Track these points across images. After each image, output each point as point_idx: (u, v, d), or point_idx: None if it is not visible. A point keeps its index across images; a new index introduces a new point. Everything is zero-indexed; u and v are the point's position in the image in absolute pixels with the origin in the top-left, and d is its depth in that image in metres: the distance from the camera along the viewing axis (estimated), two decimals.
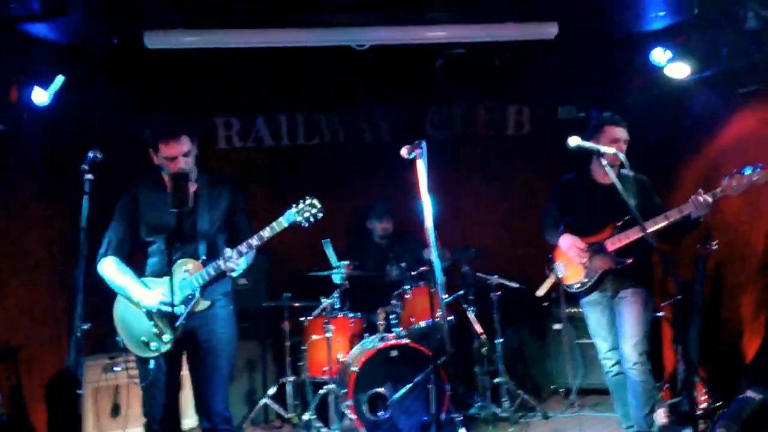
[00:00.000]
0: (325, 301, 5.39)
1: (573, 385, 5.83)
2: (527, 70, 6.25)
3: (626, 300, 4.24)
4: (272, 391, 5.72)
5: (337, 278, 5.63)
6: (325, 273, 5.54)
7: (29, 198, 5.64)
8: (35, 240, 5.61)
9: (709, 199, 3.86)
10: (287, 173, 6.49)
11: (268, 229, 3.66)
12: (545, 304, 6.19)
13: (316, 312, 5.47)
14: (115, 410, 5.33)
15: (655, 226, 3.98)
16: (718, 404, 4.78)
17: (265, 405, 5.70)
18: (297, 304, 5.60)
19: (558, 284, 4.63)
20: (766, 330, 4.92)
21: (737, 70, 4.88)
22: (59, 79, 4.96)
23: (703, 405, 4.87)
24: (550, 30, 5.19)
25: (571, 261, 4.40)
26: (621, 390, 4.37)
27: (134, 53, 5.16)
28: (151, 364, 3.65)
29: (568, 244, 4.34)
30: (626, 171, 4.23)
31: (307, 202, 3.74)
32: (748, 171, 3.77)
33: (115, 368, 5.37)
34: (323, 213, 3.76)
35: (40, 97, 4.96)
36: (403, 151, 3.43)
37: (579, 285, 4.39)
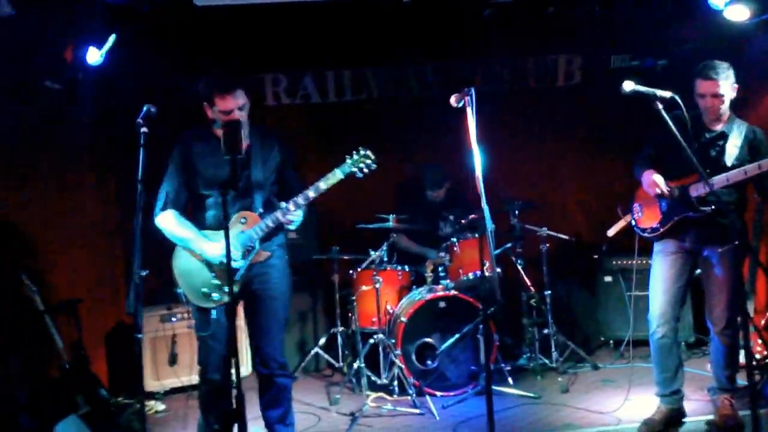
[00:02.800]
0: (374, 254, 5.44)
1: (623, 337, 5.81)
2: (577, 18, 6.09)
3: (713, 259, 4.04)
4: (323, 341, 5.85)
5: (432, 254, 5.68)
6: (373, 226, 5.57)
7: (84, 156, 5.81)
8: (91, 198, 5.79)
9: None
10: (335, 129, 6.50)
11: (323, 180, 3.70)
12: (595, 256, 6.14)
13: (365, 264, 5.53)
14: (173, 359, 5.51)
15: (728, 181, 3.78)
16: None
17: (317, 354, 5.85)
18: (346, 257, 5.68)
19: (630, 227, 4.44)
20: None
21: None
22: (111, 39, 5.04)
23: (758, 356, 4.82)
24: None
25: (649, 203, 4.19)
26: (663, 354, 4.15)
27: (183, 11, 5.19)
28: (213, 314, 3.72)
29: (649, 181, 4.02)
30: (741, 121, 4.02)
31: (362, 153, 3.77)
32: None
33: (172, 318, 5.56)
34: (377, 164, 3.78)
35: (94, 56, 5.04)
36: (452, 100, 3.41)
37: (651, 230, 4.18)
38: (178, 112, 4.42)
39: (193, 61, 5.82)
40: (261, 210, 3.75)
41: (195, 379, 4.57)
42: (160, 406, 5.29)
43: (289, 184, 3.86)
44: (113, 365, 5.74)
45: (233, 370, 3.26)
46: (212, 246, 3.69)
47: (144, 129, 3.38)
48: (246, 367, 5.60)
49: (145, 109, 3.40)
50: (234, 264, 3.64)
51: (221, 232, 3.64)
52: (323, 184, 3.69)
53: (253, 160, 3.76)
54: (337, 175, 3.72)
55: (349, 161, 3.75)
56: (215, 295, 3.71)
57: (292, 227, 3.79)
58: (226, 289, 3.66)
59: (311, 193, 3.68)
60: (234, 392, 3.21)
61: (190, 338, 5.37)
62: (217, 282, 3.71)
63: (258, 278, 3.78)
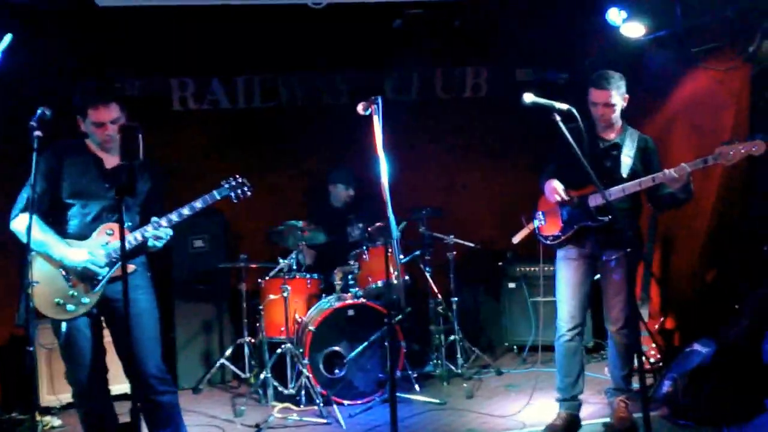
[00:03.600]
0: (283, 262, 5.39)
1: (526, 343, 5.97)
2: (485, 32, 6.25)
3: (611, 264, 4.19)
4: (229, 352, 5.73)
5: (304, 259, 5.65)
6: (282, 228, 5.49)
7: None
8: None
9: (674, 174, 3.80)
10: (243, 136, 6.42)
11: (200, 200, 3.69)
12: (500, 263, 6.29)
13: (273, 273, 5.47)
14: None
15: (624, 192, 3.95)
16: (666, 358, 4.94)
17: (222, 365, 5.72)
18: (254, 266, 5.59)
19: (533, 234, 4.58)
20: (712, 286, 5.08)
21: (691, 29, 4.94)
22: (7, 38, 4.81)
23: (651, 359, 5.03)
24: None
25: (551, 212, 4.34)
26: (569, 358, 4.28)
27: (86, 12, 5.02)
28: (64, 327, 3.56)
29: (550, 189, 4.18)
30: (633, 131, 4.19)
31: (239, 180, 3.85)
32: (748, 141, 3.67)
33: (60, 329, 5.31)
34: (251, 192, 3.87)
35: None
36: (360, 108, 3.41)
37: (553, 237, 4.32)
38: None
39: (96, 63, 5.64)
40: (129, 224, 3.63)
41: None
42: (56, 422, 5.04)
43: (150, 211, 3.72)
44: (6, 379, 5.45)
45: (121, 385, 3.13)
46: (74, 251, 3.53)
47: (37, 132, 3.24)
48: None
49: (39, 111, 3.26)
50: (99, 271, 3.53)
51: (82, 242, 3.57)
52: (199, 204, 3.68)
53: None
54: (213, 196, 3.74)
55: (225, 185, 3.80)
56: (70, 306, 3.54)
57: (158, 243, 3.62)
58: (83, 300, 3.55)
59: (185, 211, 3.64)
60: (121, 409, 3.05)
61: None
62: (72, 292, 3.54)
63: (120, 295, 3.62)
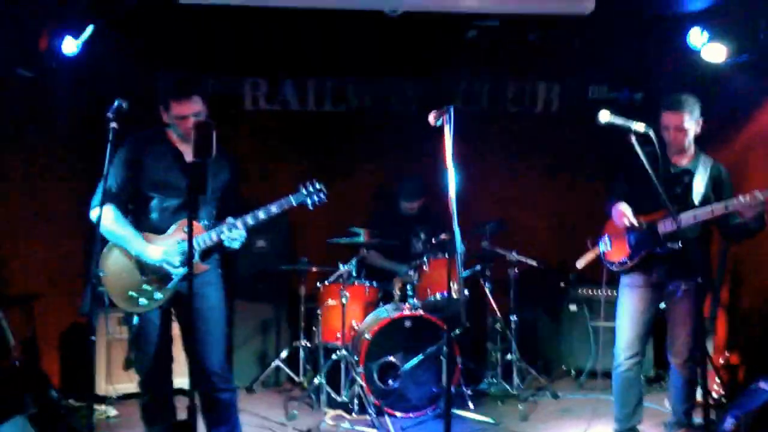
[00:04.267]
0: (343, 268, 5.38)
1: (585, 367, 5.81)
2: (560, 47, 6.14)
3: (678, 294, 4.05)
4: (284, 354, 5.76)
5: (402, 269, 5.63)
6: (345, 240, 5.52)
7: (54, 148, 5.69)
8: (60, 190, 5.66)
9: (747, 201, 3.68)
10: (312, 138, 6.46)
11: (276, 204, 3.68)
12: (562, 284, 6.15)
13: (333, 278, 5.47)
14: (128, 363, 5.35)
15: (695, 219, 3.82)
16: (730, 394, 4.75)
17: (277, 367, 5.75)
18: (314, 269, 5.61)
19: (598, 259, 4.43)
20: None
21: None
22: (89, 29, 4.95)
23: (715, 395, 4.84)
24: (586, 5, 5.07)
25: (618, 236, 4.20)
26: (627, 389, 4.17)
27: (166, 7, 5.12)
28: (135, 320, 3.61)
29: (619, 213, 4.03)
30: (707, 157, 4.06)
31: (316, 186, 3.80)
32: None
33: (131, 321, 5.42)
34: (326, 198, 3.83)
35: (70, 46, 4.95)
36: (431, 118, 3.37)
37: (620, 263, 4.18)
38: (155, 109, 4.35)
39: (172, 59, 5.75)
40: (206, 222, 3.67)
41: None
42: (112, 411, 5.14)
43: (229, 205, 3.77)
44: (66, 366, 5.60)
45: (182, 379, 3.16)
46: (153, 248, 3.57)
47: (113, 124, 3.29)
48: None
49: (116, 103, 3.32)
50: (173, 271, 3.58)
51: (159, 237, 3.61)
52: (275, 208, 3.67)
53: (209, 170, 3.68)
54: (290, 201, 3.72)
55: (303, 191, 3.77)
56: (142, 300, 3.59)
57: (234, 245, 3.66)
58: (156, 296, 3.60)
59: (261, 215, 3.64)
60: (179, 404, 3.09)
61: None
62: (147, 287, 3.59)
63: (192, 291, 3.67)
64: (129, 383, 5.28)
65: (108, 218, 3.57)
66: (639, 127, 3.50)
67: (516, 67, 6.49)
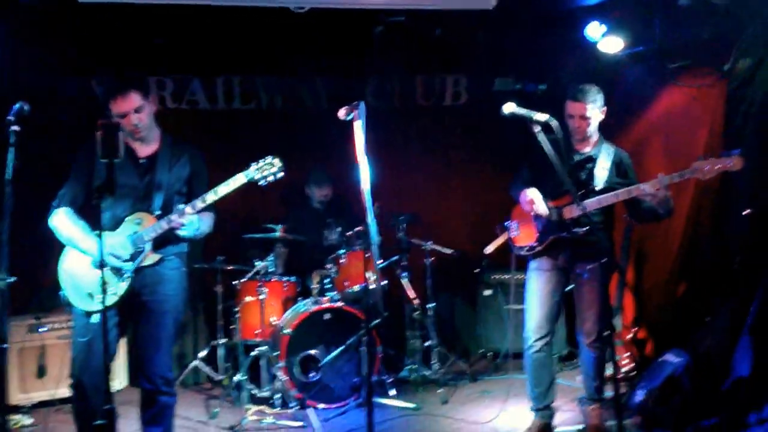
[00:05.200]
0: (259, 264, 5.37)
1: (501, 349, 6.01)
2: (465, 41, 6.28)
3: (585, 277, 4.20)
4: (203, 353, 5.71)
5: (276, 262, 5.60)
6: (260, 236, 5.51)
7: None
8: None
9: (650, 188, 3.86)
10: (222, 138, 6.39)
11: (224, 184, 3.62)
12: (476, 271, 6.33)
13: (250, 275, 5.45)
14: (41, 371, 5.22)
15: (600, 204, 3.99)
16: (639, 367, 5.01)
17: (196, 367, 5.70)
18: (230, 267, 5.58)
19: (507, 244, 4.58)
20: (684, 298, 5.17)
21: (668, 46, 5.02)
22: None
23: (624, 369, 5.09)
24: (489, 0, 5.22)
25: (525, 222, 4.35)
26: (539, 369, 4.31)
27: (67, 8, 4.97)
28: (95, 318, 3.56)
29: (528, 200, 4.17)
30: (609, 144, 4.23)
31: (268, 160, 3.71)
32: (724, 156, 3.70)
33: (40, 328, 5.26)
34: (283, 173, 3.73)
35: None
36: (341, 113, 3.41)
37: (528, 248, 4.33)
38: (57, 112, 4.24)
39: (75, 60, 5.58)
40: (159, 212, 3.65)
41: (64, 392, 4.34)
42: (27, 420, 4.99)
43: (197, 197, 3.71)
44: None
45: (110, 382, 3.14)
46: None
47: (15, 127, 3.21)
48: (120, 380, 5.40)
49: (17, 106, 3.23)
50: (122, 265, 3.57)
51: (112, 233, 3.60)
52: (224, 188, 3.62)
53: (159, 164, 3.70)
54: (239, 179, 3.64)
55: (254, 167, 3.68)
56: (99, 297, 3.54)
57: (183, 232, 3.65)
58: (111, 291, 3.54)
59: (209, 197, 3.61)
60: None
61: (60, 349, 5.14)
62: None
63: (149, 288, 3.66)
64: (43, 391, 5.16)
65: (61, 221, 3.66)
66: (541, 117, 3.64)
67: (424, 62, 6.61)
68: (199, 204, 3.61)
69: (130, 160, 3.69)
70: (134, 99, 3.60)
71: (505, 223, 4.55)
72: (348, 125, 3.44)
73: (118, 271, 3.58)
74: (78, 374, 3.63)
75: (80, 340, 3.62)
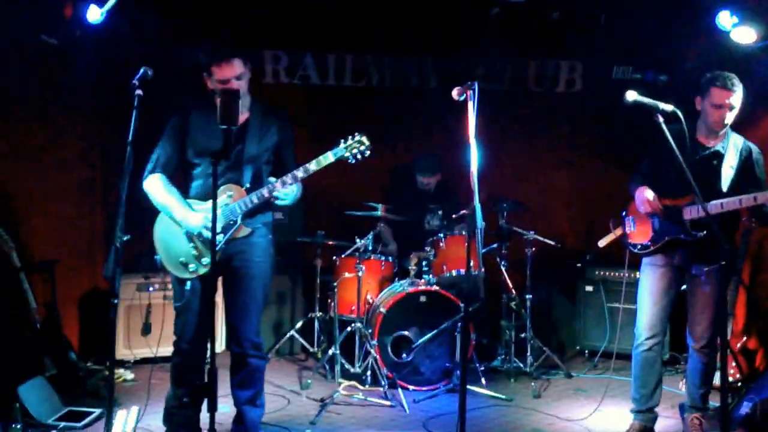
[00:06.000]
0: (359, 242, 5.40)
1: (599, 348, 5.82)
2: (584, 26, 6.08)
3: (700, 279, 3.99)
4: (299, 324, 5.81)
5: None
6: (361, 213, 5.54)
7: (77, 115, 5.72)
8: (82, 157, 5.71)
9: None
10: (332, 112, 6.45)
11: (314, 162, 3.62)
12: (578, 265, 6.14)
13: (349, 251, 5.48)
14: (146, 329, 5.44)
15: (723, 208, 3.73)
16: (746, 379, 4.75)
17: (292, 337, 5.81)
18: (331, 242, 5.64)
19: (620, 239, 4.40)
20: None
21: None
22: None
23: (732, 379, 4.83)
24: None
25: (642, 219, 4.14)
26: (645, 368, 4.12)
27: None
28: (188, 285, 3.67)
29: (642, 199, 3.96)
30: (737, 137, 3.97)
31: (356, 138, 3.68)
32: None
33: (149, 287, 5.49)
34: (371, 151, 3.70)
35: (94, 14, 4.95)
36: (455, 93, 3.36)
37: (641, 247, 4.13)
38: (174, 78, 4.35)
39: (195, 31, 5.74)
40: (248, 185, 3.68)
41: (166, 350, 4.49)
42: (129, 375, 5.23)
43: (285, 166, 3.76)
44: (85, 329, 5.68)
45: (208, 345, 3.21)
46: (193, 216, 3.61)
47: (139, 91, 3.30)
48: (220, 344, 5.56)
49: (142, 71, 3.32)
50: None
51: (204, 203, 3.64)
52: (313, 166, 3.61)
53: (249, 134, 3.69)
54: (328, 158, 3.63)
55: (342, 145, 3.66)
56: (192, 266, 3.64)
57: (284, 202, 3.69)
58: (204, 260, 3.63)
59: (300, 173, 3.60)
60: (207, 367, 3.15)
61: (165, 309, 5.31)
62: (194, 253, 3.64)
63: (239, 255, 3.71)
64: (146, 348, 5.39)
65: (156, 187, 3.68)
66: (667, 107, 3.45)
67: (538, 46, 6.44)
68: (289, 180, 3.59)
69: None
70: (237, 66, 3.59)
71: (623, 217, 4.33)
72: (457, 108, 3.39)
73: (210, 243, 3.63)
74: (177, 337, 3.76)
75: (176, 305, 3.74)
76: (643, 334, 4.12)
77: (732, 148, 3.95)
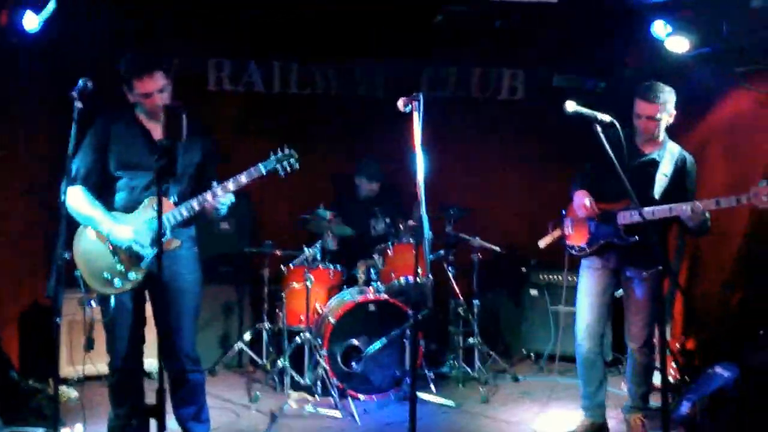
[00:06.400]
0: (307, 251, 5.38)
1: (544, 351, 5.92)
2: (526, 34, 6.18)
3: (635, 281, 4.11)
4: (247, 336, 5.74)
5: (330, 244, 5.61)
6: (308, 216, 5.50)
7: (13, 124, 5.55)
8: (17, 169, 5.53)
9: (687, 211, 3.70)
10: (277, 121, 6.41)
11: (244, 174, 3.60)
12: (523, 269, 6.25)
13: (297, 261, 5.46)
14: (89, 344, 5.29)
15: (654, 215, 3.83)
16: (686, 379, 4.88)
17: (240, 350, 5.74)
18: (278, 252, 5.60)
19: (559, 241, 4.51)
20: (737, 308, 5.02)
21: (736, 48, 4.87)
22: (51, 5, 4.83)
23: (672, 379, 4.97)
24: None
25: (579, 221, 4.25)
26: (587, 367, 4.25)
27: None
28: (112, 302, 3.58)
29: (579, 202, 4.09)
30: (674, 145, 4.07)
31: (286, 152, 3.70)
32: None
33: (91, 302, 5.34)
34: (299, 164, 3.72)
35: (31, 22, 4.83)
36: (400, 103, 3.38)
37: (578, 249, 4.24)
38: (118, 89, 4.27)
39: (135, 38, 5.64)
40: (176, 198, 3.63)
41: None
42: (73, 393, 5.08)
43: (207, 178, 3.70)
44: (25, 347, 5.50)
45: (151, 360, 3.15)
46: (121, 228, 3.52)
47: (78, 104, 3.24)
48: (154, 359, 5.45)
49: (80, 83, 3.26)
50: (143, 251, 3.53)
51: (129, 216, 3.58)
52: (244, 178, 3.60)
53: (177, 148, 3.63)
54: (259, 170, 3.63)
55: (273, 158, 3.67)
56: (117, 282, 3.55)
57: (222, 211, 3.65)
58: (130, 276, 3.55)
59: (230, 185, 3.57)
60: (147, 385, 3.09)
61: None
62: (120, 268, 3.55)
63: (166, 270, 3.58)
64: (90, 365, 5.21)
65: (77, 199, 3.54)
66: (605, 117, 3.55)
67: (482, 54, 6.52)
68: (230, 185, 3.56)
69: (146, 140, 3.61)
70: (159, 79, 3.52)
71: (562, 218, 4.44)
72: (403, 115, 3.41)
73: (137, 256, 3.54)
74: (111, 355, 3.71)
75: (104, 322, 3.66)
76: (580, 335, 4.24)
77: (668, 157, 4.07)
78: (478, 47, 6.39)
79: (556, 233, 4.61)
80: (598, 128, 3.57)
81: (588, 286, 4.24)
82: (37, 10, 4.79)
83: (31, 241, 5.56)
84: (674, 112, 4.05)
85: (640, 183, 3.98)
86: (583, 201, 4.08)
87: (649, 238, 3.92)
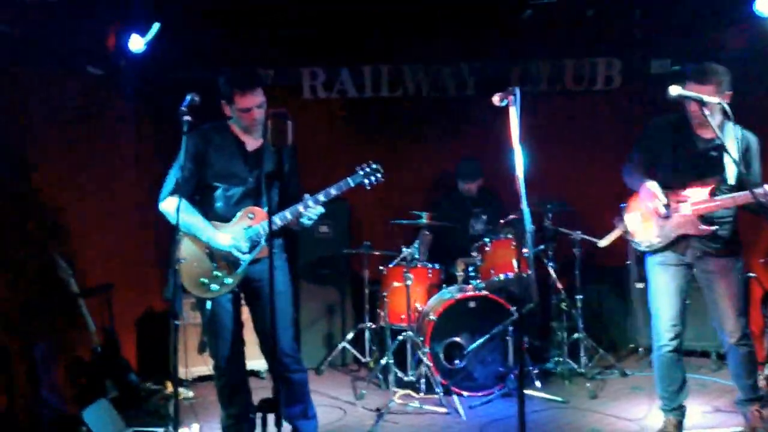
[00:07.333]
0: (406, 251, 5.43)
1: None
2: (619, 22, 6.04)
3: (717, 273, 3.91)
4: (350, 335, 5.86)
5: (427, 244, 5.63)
6: (407, 222, 5.58)
7: (124, 142, 5.87)
8: (129, 184, 5.84)
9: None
10: (371, 124, 6.51)
11: (334, 187, 3.75)
12: (628, 262, 6.07)
13: (396, 261, 5.53)
14: (202, 347, 5.51)
15: (736, 202, 3.68)
16: None
17: (343, 349, 5.85)
18: (377, 253, 5.68)
19: (624, 237, 4.32)
20: None
21: None
22: (155, 27, 5.08)
23: None
24: None
25: (646, 215, 4.05)
26: (670, 367, 4.04)
27: (226, 2, 5.23)
28: (208, 305, 3.74)
29: (648, 194, 3.90)
30: (734, 126, 3.82)
31: (372, 166, 3.84)
32: None
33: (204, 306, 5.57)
34: (384, 178, 3.86)
35: (137, 44, 5.10)
36: (495, 99, 3.37)
37: (648, 244, 4.04)
38: (217, 102, 4.46)
39: (233, 52, 5.86)
40: (265, 208, 3.75)
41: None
42: (189, 393, 5.32)
43: (289, 191, 3.85)
44: (142, 350, 5.80)
45: (254, 361, 3.26)
46: (221, 235, 3.68)
47: (187, 117, 3.41)
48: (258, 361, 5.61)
49: (188, 98, 3.43)
50: (241, 257, 3.67)
51: (225, 224, 3.73)
52: (334, 191, 3.75)
53: (266, 159, 3.76)
54: (347, 183, 3.79)
55: (360, 173, 3.82)
56: (213, 287, 3.70)
57: (309, 222, 3.77)
58: (227, 281, 3.70)
59: (321, 197, 3.72)
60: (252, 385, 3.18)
61: None
62: (217, 273, 3.70)
63: (262, 275, 3.76)
64: (203, 366, 5.47)
65: (178, 208, 3.65)
66: (712, 99, 3.42)
67: (574, 45, 6.41)
68: (322, 197, 3.71)
69: (240, 152, 3.77)
70: (260, 95, 3.68)
71: (623, 215, 4.22)
72: (495, 112, 3.41)
73: (235, 263, 3.69)
74: (214, 358, 3.87)
75: (204, 323, 3.83)
76: (665, 335, 4.02)
77: (731, 140, 3.81)
78: (570, 38, 6.28)
79: (620, 230, 4.36)
80: (706, 112, 3.46)
81: (664, 283, 4.02)
82: (141, 32, 5.05)
83: (140, 254, 5.86)
84: (730, 93, 3.76)
85: (710, 168, 3.84)
86: (652, 193, 3.89)
87: (725, 225, 3.78)
